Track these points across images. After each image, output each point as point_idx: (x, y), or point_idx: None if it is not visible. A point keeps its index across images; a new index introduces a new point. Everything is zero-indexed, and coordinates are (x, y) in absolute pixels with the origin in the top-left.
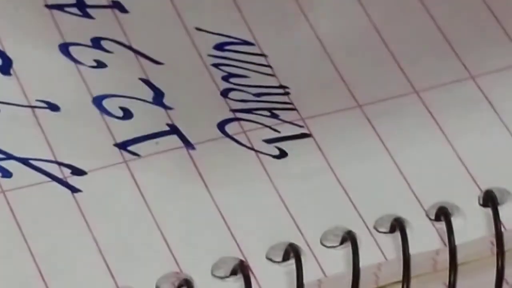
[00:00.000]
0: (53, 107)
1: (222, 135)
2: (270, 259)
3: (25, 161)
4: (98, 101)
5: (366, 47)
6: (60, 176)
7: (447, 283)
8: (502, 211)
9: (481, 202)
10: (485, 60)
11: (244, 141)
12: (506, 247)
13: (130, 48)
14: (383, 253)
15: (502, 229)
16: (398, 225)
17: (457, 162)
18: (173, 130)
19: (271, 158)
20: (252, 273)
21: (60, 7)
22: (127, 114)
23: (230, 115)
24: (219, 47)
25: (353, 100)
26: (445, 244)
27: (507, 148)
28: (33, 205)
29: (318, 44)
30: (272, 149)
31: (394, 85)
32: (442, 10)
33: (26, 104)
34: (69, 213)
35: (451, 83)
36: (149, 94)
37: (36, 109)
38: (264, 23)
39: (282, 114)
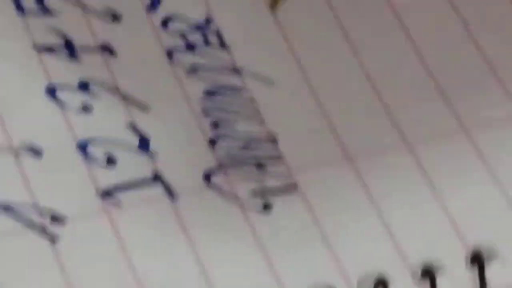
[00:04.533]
0: (36, 151)
1: (207, 185)
2: None
3: (4, 207)
4: (82, 146)
5: (359, 97)
6: (39, 223)
7: None
8: (490, 269)
9: (468, 260)
10: (480, 113)
11: (229, 193)
12: None
13: (117, 92)
14: None
15: None
16: (381, 285)
17: (446, 219)
18: (157, 178)
19: (256, 211)
20: None
21: (48, 49)
22: (110, 160)
23: (216, 165)
24: (209, 92)
25: (344, 152)
26: None
27: (497, 205)
28: (11, 253)
29: (310, 93)
30: (258, 203)
31: (387, 138)
32: (438, 62)
33: (8, 147)
34: (47, 263)
35: (444, 137)
36: (134, 140)
37: (19, 153)
38: (256, 69)
39: (270, 166)
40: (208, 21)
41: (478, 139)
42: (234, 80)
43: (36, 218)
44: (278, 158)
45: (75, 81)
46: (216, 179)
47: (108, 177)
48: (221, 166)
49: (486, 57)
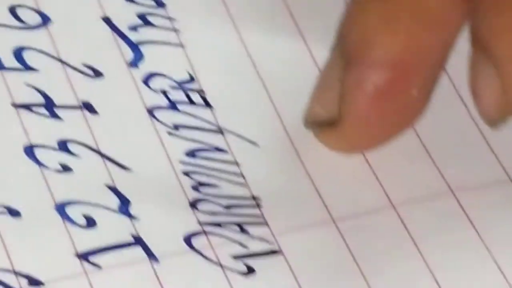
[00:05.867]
0: (13, 213)
1: (189, 248)
2: None
3: None
4: (61, 207)
5: (342, 157)
6: (16, 286)
7: None
8: None
9: None
10: (467, 175)
11: (211, 256)
12: None
13: (97, 152)
14: None
15: None
16: None
17: (433, 282)
18: (138, 241)
19: (238, 275)
20: None
21: (27, 107)
22: (90, 222)
23: (198, 228)
24: (191, 153)
25: (327, 214)
26: None
27: (485, 269)
28: None
29: (293, 154)
30: (240, 266)
31: (371, 198)
32: (425, 121)
33: None
34: None
35: (430, 197)
36: (114, 202)
37: None
38: (239, 130)
39: (252, 229)
40: (191, 80)
41: (466, 201)
42: (217, 141)
43: (13, 281)
44: (261, 221)
45: (54, 141)
46: (198, 242)
47: (88, 240)
48: (202, 229)
49: (473, 118)
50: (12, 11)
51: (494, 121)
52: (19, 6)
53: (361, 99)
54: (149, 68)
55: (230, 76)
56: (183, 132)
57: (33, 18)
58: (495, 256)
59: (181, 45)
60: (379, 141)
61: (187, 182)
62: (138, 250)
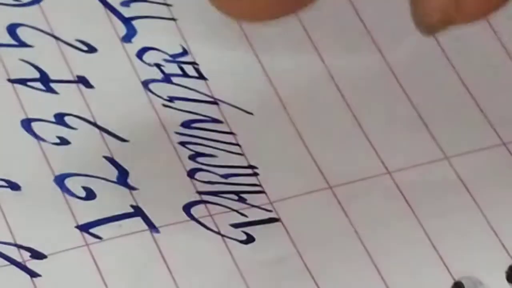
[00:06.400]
0: (14, 186)
1: (188, 218)
2: None
3: None
4: (60, 180)
5: (337, 125)
6: (19, 259)
7: None
8: None
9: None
10: (460, 141)
11: (211, 225)
12: None
13: (94, 124)
14: None
15: None
16: None
17: (429, 247)
18: (137, 212)
19: (238, 243)
20: None
21: (23, 82)
22: (89, 194)
23: (197, 197)
24: (187, 124)
25: (324, 181)
26: None
27: (481, 233)
28: None
29: (288, 122)
30: (239, 234)
31: (367, 165)
32: (418, 89)
33: None
34: None
35: (425, 164)
36: (113, 173)
37: None
38: (234, 101)
39: (250, 198)
40: (184, 53)
41: (460, 166)
42: (212, 112)
43: (15, 254)
44: (258, 189)
45: (51, 114)
46: (197, 211)
47: (87, 212)
48: (201, 198)
49: (465, 85)
50: None
51: (433, 27)
52: None
53: None
54: (142, 42)
55: (223, 48)
56: (178, 104)
57: None
58: (489, 218)
59: (173, 19)
60: (279, 10)
61: (183, 152)
62: (138, 221)
